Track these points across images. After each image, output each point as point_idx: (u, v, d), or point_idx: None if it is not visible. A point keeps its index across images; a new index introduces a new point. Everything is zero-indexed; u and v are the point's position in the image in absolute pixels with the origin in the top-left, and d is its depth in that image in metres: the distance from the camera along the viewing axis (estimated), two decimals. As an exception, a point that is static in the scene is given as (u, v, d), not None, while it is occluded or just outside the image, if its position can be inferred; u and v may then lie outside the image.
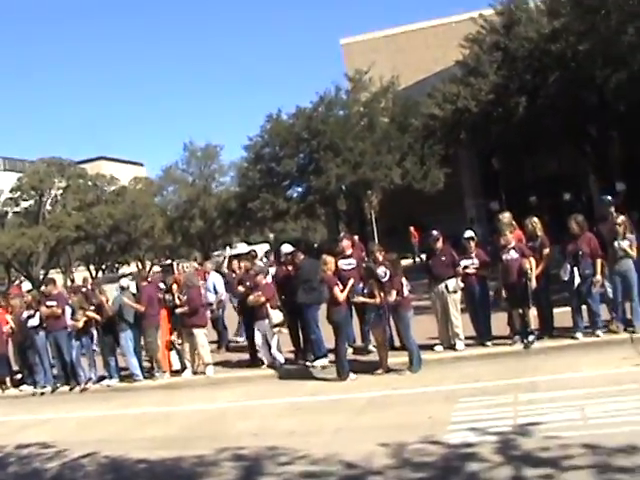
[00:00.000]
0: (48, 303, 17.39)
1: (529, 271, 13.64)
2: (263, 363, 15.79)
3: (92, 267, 69.54)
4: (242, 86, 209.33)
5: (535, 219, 14.63)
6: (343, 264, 15.44)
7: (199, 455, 9.88)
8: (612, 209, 14.62)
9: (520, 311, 13.94)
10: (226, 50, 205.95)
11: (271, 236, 69.89)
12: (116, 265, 72.05)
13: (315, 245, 55.67)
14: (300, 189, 49.86)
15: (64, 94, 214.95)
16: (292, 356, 16.08)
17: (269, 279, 17.22)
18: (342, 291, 14.07)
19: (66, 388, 17.39)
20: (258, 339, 15.78)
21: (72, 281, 50.79)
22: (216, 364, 16.48)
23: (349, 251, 15.99)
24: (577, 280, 13.72)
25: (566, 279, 13.83)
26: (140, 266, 71.69)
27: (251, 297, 15.83)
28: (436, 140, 39.52)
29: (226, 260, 37.21)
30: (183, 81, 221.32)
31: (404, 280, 14.10)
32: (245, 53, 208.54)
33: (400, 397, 12.03)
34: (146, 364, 17.22)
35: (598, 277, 13.61)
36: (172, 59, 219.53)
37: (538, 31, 29.22)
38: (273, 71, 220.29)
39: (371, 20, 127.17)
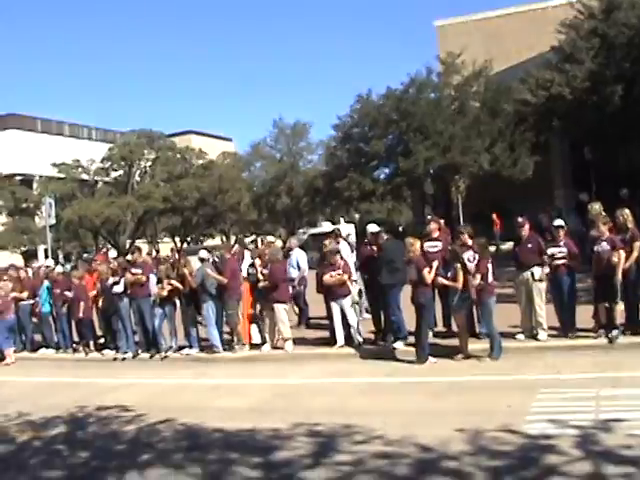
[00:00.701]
0: (133, 270, 17.71)
1: (618, 264, 13.33)
2: (336, 342, 15.85)
3: (177, 239, 70.35)
4: (334, 65, 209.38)
5: (626, 211, 14.24)
6: (429, 246, 15.31)
7: (274, 428, 9.91)
8: None
9: (607, 305, 13.65)
10: (320, 28, 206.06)
11: (356, 216, 69.85)
12: (201, 238, 72.76)
13: (400, 227, 55.35)
14: (387, 170, 49.51)
15: (158, 67, 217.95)
16: (372, 336, 16.08)
17: (352, 258, 17.26)
18: (429, 272, 13.96)
19: (147, 355, 17.73)
20: (336, 317, 15.80)
21: (157, 251, 51.48)
22: (295, 340, 16.54)
23: (436, 234, 15.85)
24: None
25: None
26: (225, 240, 72.30)
27: (326, 276, 15.85)
28: (527, 127, 38.88)
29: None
30: (275, 58, 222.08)
31: (490, 266, 13.91)
32: (338, 32, 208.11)
33: (479, 384, 11.88)
34: (226, 336, 17.40)
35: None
36: (266, 36, 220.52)
37: (639, 17, 28.42)
38: (366, 51, 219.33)
39: (466, 2, 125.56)
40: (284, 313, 16.28)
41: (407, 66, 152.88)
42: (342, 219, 63.07)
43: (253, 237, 70.08)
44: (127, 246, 58.71)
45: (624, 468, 7.26)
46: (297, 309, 19.23)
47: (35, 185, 66.05)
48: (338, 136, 50.94)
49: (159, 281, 17.54)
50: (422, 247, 14.82)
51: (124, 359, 17.83)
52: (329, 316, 16.27)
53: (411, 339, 14.58)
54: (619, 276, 13.34)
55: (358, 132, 48.26)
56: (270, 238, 22.78)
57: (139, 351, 17.94)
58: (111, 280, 18.10)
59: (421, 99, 45.05)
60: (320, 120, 69.98)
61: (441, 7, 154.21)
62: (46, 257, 37.82)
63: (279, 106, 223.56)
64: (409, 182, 46.22)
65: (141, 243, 55.82)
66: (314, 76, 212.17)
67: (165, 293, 17.27)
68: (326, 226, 57.32)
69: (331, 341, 16.01)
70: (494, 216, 39.16)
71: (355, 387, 12.66)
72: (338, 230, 19.59)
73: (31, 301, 20.21)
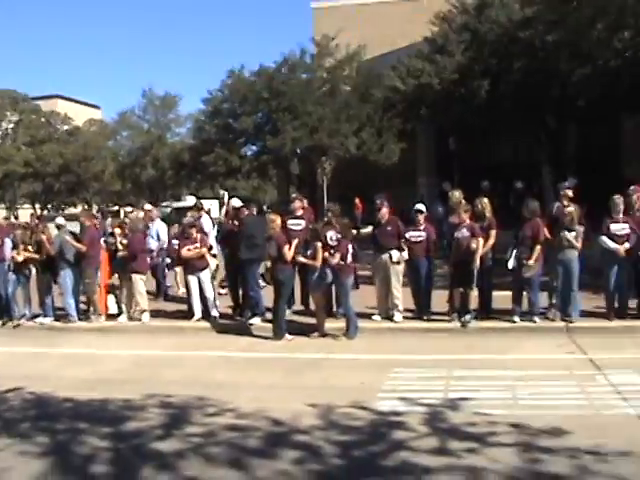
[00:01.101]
0: (-18, 238, 17.05)
1: (476, 250, 13.71)
2: (193, 315, 15.79)
3: (38, 205, 68.67)
4: (208, 39, 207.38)
5: (485, 200, 14.69)
6: (292, 224, 15.42)
7: (126, 399, 9.80)
8: (566, 197, 14.71)
9: (462, 290, 14.03)
10: (195, 0, 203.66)
11: (221, 192, 69.60)
12: (62, 206, 71.20)
13: (265, 206, 55.51)
14: (255, 148, 49.57)
15: (25, 28, 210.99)
16: (230, 311, 16.07)
17: (212, 233, 17.23)
18: (289, 249, 14.00)
19: (-1, 322, 17.18)
20: (194, 290, 15.72)
21: (16, 217, 50.13)
22: (153, 312, 16.39)
23: (299, 212, 15.94)
24: (512, 263, 13.86)
25: (509, 263, 13.96)
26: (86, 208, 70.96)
27: (184, 250, 15.77)
28: (395, 114, 39.39)
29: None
30: (148, 27, 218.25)
31: (350, 247, 14.08)
32: (213, 5, 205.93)
33: (333, 361, 12.04)
34: (82, 306, 17.07)
35: (531, 262, 13.67)
36: (140, 4, 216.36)
37: (509, 17, 29.19)
38: (242, 28, 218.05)
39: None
40: (142, 284, 16.09)
41: (282, 46, 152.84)
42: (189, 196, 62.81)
43: (116, 208, 69.13)
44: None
45: (468, 444, 7.50)
46: (155, 280, 19.04)
47: None
48: (207, 110, 50.56)
49: (15, 246, 16.99)
50: (285, 224, 14.91)
51: (-27, 326, 17.24)
52: (187, 289, 16.17)
53: (269, 315, 14.64)
54: (477, 262, 13.74)
55: (228, 108, 48.00)
56: (128, 209, 22.40)
57: (-10, 319, 17.36)
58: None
59: (293, 79, 45.15)
60: (190, 94, 69.75)
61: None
62: None
63: (150, 76, 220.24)
64: (275, 161, 46.35)
65: (-1, 209, 54.17)
66: (187, 48, 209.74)
67: (21, 259, 16.75)
68: (190, 200, 56.93)
69: (188, 314, 15.92)
70: (357, 200, 39.62)
71: (210, 360, 12.66)
72: (200, 203, 19.44)
73: None
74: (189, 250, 15.70)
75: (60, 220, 17.15)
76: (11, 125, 61.83)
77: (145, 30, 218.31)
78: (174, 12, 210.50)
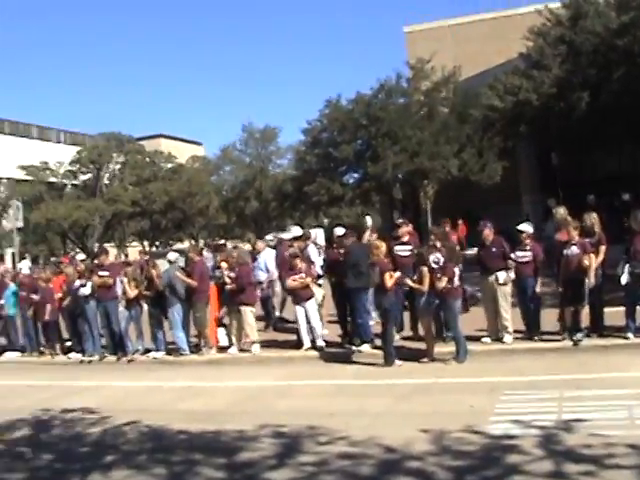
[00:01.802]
0: (100, 273, 17.64)
1: (588, 268, 13.44)
2: (302, 345, 15.88)
3: (146, 242, 70.04)
4: (303, 70, 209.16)
5: (594, 215, 14.41)
6: (399, 250, 15.44)
7: (239, 430, 9.91)
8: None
9: (573, 308, 13.76)
10: (289, 33, 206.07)
11: (325, 221, 69.88)
12: (170, 242, 72.48)
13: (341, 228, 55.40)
14: (356, 175, 49.66)
15: (128, 71, 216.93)
16: (338, 339, 16.12)
17: (319, 262, 17.33)
18: (391, 277, 13.99)
19: (113, 358, 17.66)
20: (301, 320, 15.83)
21: (126, 255, 51.23)
22: (262, 343, 16.56)
23: (406, 237, 15.93)
24: (625, 278, 13.53)
25: (622, 278, 13.63)
26: (193, 243, 72.09)
27: (289, 281, 15.93)
28: (495, 132, 39.06)
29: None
30: (245, 63, 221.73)
31: (457, 269, 14.00)
32: (307, 37, 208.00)
33: (444, 386, 11.95)
34: (193, 339, 17.39)
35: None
36: (234, 41, 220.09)
37: (605, 25, 28.63)
38: (335, 56, 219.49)
39: (435, 8, 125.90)
40: (251, 316, 16.30)
41: (378, 72, 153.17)
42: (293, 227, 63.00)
43: (222, 241, 69.94)
44: (95, 250, 58.38)
45: (585, 466, 7.32)
46: (264, 312, 19.22)
47: (2, 188, 65.51)
48: (307, 141, 50.97)
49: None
50: (392, 251, 14.93)
51: (90, 362, 17.75)
52: (296, 319, 16.31)
53: (378, 342, 14.63)
54: (592, 279, 13.46)
55: (327, 137, 48.31)
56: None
57: (105, 354, 17.86)
58: (78, 282, 18.03)
59: (390, 104, 45.18)
60: (290, 125, 70.40)
61: (411, 13, 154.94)
62: (13, 261, 37.58)
63: (249, 110, 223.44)
64: (377, 187, 46.33)
65: (109, 247, 55.47)
66: (284, 81, 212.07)
67: (132, 295, 17.22)
68: (295, 230, 57.22)
69: (298, 344, 16.03)
70: (460, 222, 39.34)
71: (321, 389, 12.69)
72: (308, 233, 19.60)
73: (-3, 304, 20.07)
74: (294, 280, 15.85)
75: (172, 256, 17.55)
76: (118, 166, 63.38)
77: (241, 65, 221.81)
78: (266, 46, 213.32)
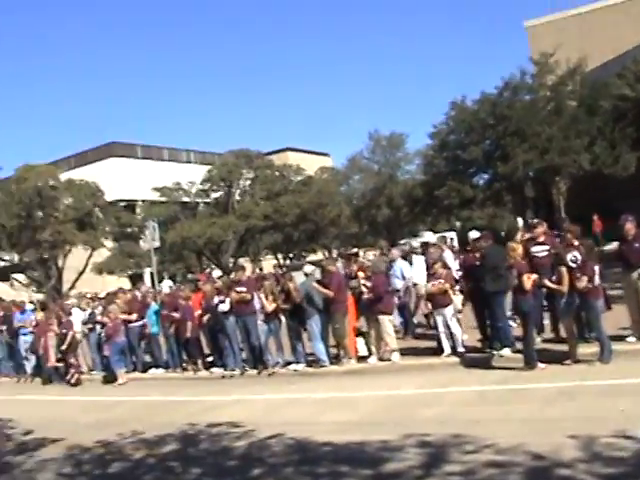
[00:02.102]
0: (238, 289, 17.94)
1: None
2: (443, 351, 15.72)
3: (280, 255, 70.90)
4: (425, 73, 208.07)
5: None
6: (536, 251, 15.12)
7: (384, 440, 9.86)
8: None
9: None
10: (407, 38, 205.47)
11: (457, 224, 69.22)
12: (303, 253, 73.08)
13: (502, 233, 54.80)
14: (486, 176, 49.22)
15: (252, 88, 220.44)
16: (478, 345, 15.92)
17: (455, 267, 17.16)
18: (529, 279, 13.72)
19: (254, 372, 17.93)
20: (441, 326, 15.71)
21: (260, 269, 51.97)
22: (401, 351, 16.49)
23: (542, 238, 15.61)
24: None
25: None
26: (327, 254, 72.49)
27: (428, 286, 15.82)
28: (627, 122, 37.99)
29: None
30: (367, 71, 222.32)
31: (596, 268, 13.61)
32: (427, 40, 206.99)
33: (590, 388, 11.60)
34: (332, 350, 17.45)
35: None
36: (357, 49, 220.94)
37: None
38: (455, 57, 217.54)
39: (555, 0, 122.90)
40: (389, 324, 16.28)
41: (501, 69, 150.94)
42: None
43: (354, 250, 70.08)
44: (230, 265, 59.50)
45: None
46: (402, 319, 19.15)
47: (138, 210, 67.50)
48: (435, 144, 50.80)
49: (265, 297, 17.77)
50: (529, 252, 14.66)
51: (232, 376, 18.09)
52: (435, 326, 16.18)
53: (518, 346, 14.38)
54: None
55: (454, 139, 48.06)
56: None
57: (246, 368, 18.17)
58: (216, 299, 18.41)
59: (516, 102, 44.60)
60: (416, 130, 70.01)
61: (531, 6, 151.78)
62: (152, 280, 38.61)
63: (374, 119, 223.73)
64: (509, 187, 45.81)
65: (244, 261, 56.37)
66: (407, 87, 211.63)
67: (270, 309, 17.46)
68: (427, 236, 57.06)
69: (438, 351, 15.91)
70: (595, 218, 38.34)
71: (463, 396, 12.53)
72: (443, 238, 19.47)
73: (140, 322, 20.68)
74: (433, 286, 15.75)
75: (309, 268, 17.71)
76: (248, 182, 64.31)
77: (364, 73, 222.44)
78: (387, 52, 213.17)
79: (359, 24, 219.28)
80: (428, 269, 16.95)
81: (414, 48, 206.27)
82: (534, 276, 13.84)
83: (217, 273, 52.99)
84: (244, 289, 17.90)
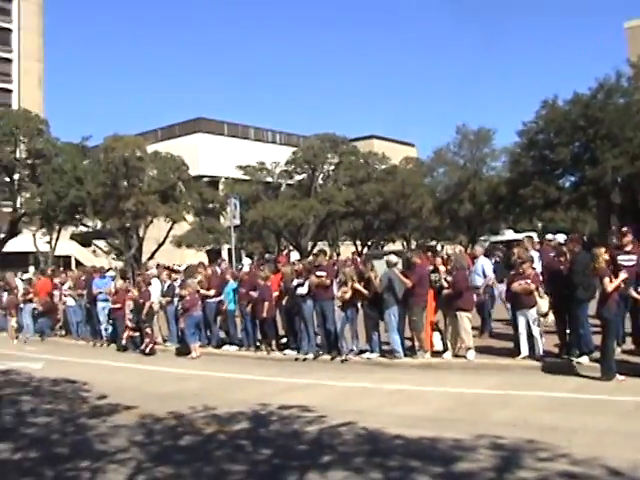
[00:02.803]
0: (318, 273, 17.97)
1: None
2: (520, 353, 15.49)
3: (358, 242, 70.89)
4: (518, 69, 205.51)
5: None
6: (623, 260, 14.75)
7: (456, 439, 9.75)
8: None
9: None
10: (501, 33, 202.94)
11: (539, 225, 68.38)
12: (381, 242, 72.95)
13: (584, 237, 53.95)
14: (573, 178, 48.51)
15: (342, 73, 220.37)
16: (555, 349, 15.64)
17: (538, 268, 16.88)
18: (611, 282, 13.39)
19: (327, 357, 17.93)
20: (522, 328, 15.48)
21: (338, 255, 52.03)
22: (477, 349, 16.33)
23: (629, 247, 15.24)
24: None
25: None
26: (406, 245, 72.28)
27: (515, 284, 15.58)
28: None
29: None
30: (460, 63, 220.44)
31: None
32: (521, 36, 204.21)
33: (671, 404, 11.35)
34: (407, 342, 17.36)
35: None
36: (450, 43, 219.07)
37: None
38: (550, 55, 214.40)
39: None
40: (467, 321, 16.13)
41: (594, 70, 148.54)
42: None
43: (432, 243, 69.73)
44: (309, 248, 59.75)
45: None
46: (480, 318, 18.95)
47: (221, 186, 68.08)
48: (522, 142, 50.16)
49: (344, 283, 17.75)
50: (615, 260, 14.34)
51: (305, 359, 18.12)
52: (514, 326, 15.96)
53: (597, 354, 14.10)
54: None
55: (543, 138, 47.41)
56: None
57: (320, 352, 18.18)
58: (295, 282, 18.45)
59: (609, 105, 43.77)
60: (504, 126, 69.17)
61: (633, 7, 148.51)
62: (230, 257, 38.92)
63: (462, 112, 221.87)
64: (595, 191, 45.02)
65: (322, 246, 56.55)
66: (498, 82, 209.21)
67: (348, 296, 17.43)
68: (508, 234, 56.46)
69: (514, 352, 15.69)
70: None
71: (538, 401, 12.33)
72: (530, 238, 19.17)
73: (217, 299, 20.86)
74: (519, 285, 15.50)
75: (393, 258, 17.61)
76: (332, 167, 64.42)
77: (456, 66, 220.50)
78: (480, 47, 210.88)
79: (452, 18, 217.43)
80: (511, 268, 16.71)
81: (507, 44, 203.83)
82: (618, 280, 13.50)
83: (295, 255, 53.25)
84: (324, 274, 17.92)
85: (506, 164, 63.53)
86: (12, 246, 52.71)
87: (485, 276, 18.48)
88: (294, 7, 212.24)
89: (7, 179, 52.39)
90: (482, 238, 60.05)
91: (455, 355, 16.40)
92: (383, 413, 11.86)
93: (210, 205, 58.74)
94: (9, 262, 48.03)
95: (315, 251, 33.69)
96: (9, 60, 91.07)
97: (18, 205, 53.05)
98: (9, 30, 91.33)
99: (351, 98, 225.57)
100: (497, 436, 9.71)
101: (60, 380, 16.08)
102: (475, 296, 17.55)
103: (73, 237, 67.42)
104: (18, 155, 51.30)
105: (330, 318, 17.84)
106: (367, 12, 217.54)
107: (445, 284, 16.39)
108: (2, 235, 52.10)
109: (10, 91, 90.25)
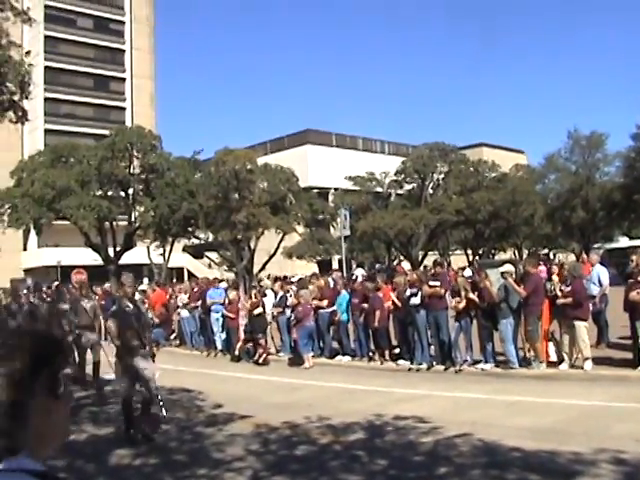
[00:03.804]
0: (431, 283, 17.86)
1: None
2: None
3: (469, 252, 70.26)
4: (629, 72, 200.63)
5: None
6: None
7: (575, 452, 9.51)
8: None
9: None
10: (615, 34, 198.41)
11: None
12: (492, 251, 72.18)
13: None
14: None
15: (436, 81, 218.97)
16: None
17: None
18: None
19: (441, 367, 17.78)
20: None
21: (449, 264, 51.61)
22: (595, 359, 15.95)
23: None
24: None
25: None
26: (517, 254, 71.31)
27: (633, 293, 15.18)
28: None
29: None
30: (563, 69, 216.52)
31: None
32: (634, 36, 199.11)
33: None
34: (520, 352, 17.10)
35: None
36: (558, 46, 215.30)
37: None
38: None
39: None
40: (584, 331, 15.78)
41: None
42: None
43: (545, 251, 68.58)
44: (419, 258, 59.51)
45: None
46: (597, 327, 18.53)
47: (331, 197, 68.43)
48: (637, 146, 48.96)
49: (457, 294, 17.62)
50: None
51: (418, 370, 18.01)
52: (633, 336, 15.54)
53: None
54: None
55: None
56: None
57: (434, 363, 18.05)
58: (408, 292, 18.38)
59: None
60: (617, 130, 67.51)
61: None
62: (340, 267, 39.06)
63: (573, 117, 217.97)
64: None
65: (432, 255, 56.22)
66: (610, 84, 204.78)
67: (462, 306, 17.30)
68: (623, 241, 55.14)
69: (634, 362, 15.27)
70: None
71: (663, 415, 11.96)
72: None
73: (330, 309, 20.92)
74: (638, 294, 15.09)
75: (508, 267, 17.41)
76: (442, 176, 64.10)
77: (562, 70, 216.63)
78: (586, 52, 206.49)
79: (565, 21, 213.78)
80: (628, 276, 16.31)
81: (619, 44, 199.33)
82: None
83: (406, 265, 53.14)
84: (437, 284, 17.81)
85: (620, 169, 62.16)
86: (127, 258, 53.95)
87: (601, 285, 18.07)
88: (404, 12, 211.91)
89: (122, 194, 53.72)
90: (596, 246, 58.72)
91: (572, 366, 16.06)
92: (498, 425, 11.67)
93: (320, 216, 59.06)
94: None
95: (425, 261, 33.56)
96: (122, 79, 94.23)
97: (133, 219, 54.36)
98: (122, 51, 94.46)
99: (459, 106, 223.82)
100: (618, 450, 9.42)
101: (176, 389, 16.34)
102: (591, 305, 17.19)
103: (185, 249, 68.73)
104: (132, 170, 52.60)
105: (444, 328, 17.72)
106: (472, 21, 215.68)
107: (559, 293, 16.08)
108: (118, 248, 53.38)
109: (124, 109, 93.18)
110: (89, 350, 17.37)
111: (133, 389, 12.08)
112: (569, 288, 16.00)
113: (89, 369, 17.17)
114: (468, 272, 21.98)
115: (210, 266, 59.12)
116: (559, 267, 17.57)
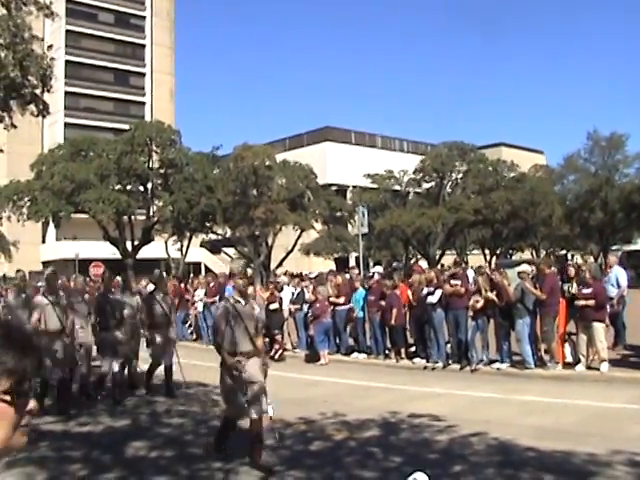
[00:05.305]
0: (452, 282, 17.87)
1: None
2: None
3: (487, 251, 70.07)
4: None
5: None
6: None
7: (590, 453, 9.51)
8: None
9: None
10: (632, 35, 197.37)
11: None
12: (510, 251, 71.96)
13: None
14: None
15: (459, 81, 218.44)
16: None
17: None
18: None
19: (456, 366, 17.79)
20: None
21: (465, 263, 51.54)
22: (611, 361, 15.92)
23: None
24: None
25: None
26: (535, 254, 71.04)
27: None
28: None
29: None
30: (584, 68, 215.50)
31: None
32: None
33: None
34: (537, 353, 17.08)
35: None
36: (577, 47, 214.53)
37: None
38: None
39: None
40: (602, 332, 15.76)
41: None
42: None
43: (562, 252, 68.30)
44: (436, 257, 59.37)
45: None
46: (614, 329, 18.49)
47: (349, 195, 68.38)
48: (657, 149, 48.73)
49: (475, 292, 17.61)
50: None
51: (434, 368, 18.04)
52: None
53: None
54: None
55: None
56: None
57: (449, 361, 18.07)
58: (426, 290, 18.39)
59: None
60: (638, 131, 67.09)
61: None
62: (358, 265, 39.06)
63: (593, 118, 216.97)
64: None
65: (449, 254, 56.14)
66: (630, 85, 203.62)
67: (479, 305, 17.30)
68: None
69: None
70: None
71: (678, 417, 11.92)
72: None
73: (347, 306, 20.95)
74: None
75: (525, 267, 17.42)
76: (460, 175, 63.88)
77: (583, 70, 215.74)
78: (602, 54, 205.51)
79: (587, 21, 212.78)
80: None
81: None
82: None
83: (423, 264, 53.04)
84: (458, 282, 17.82)
85: (639, 171, 61.80)
86: (145, 253, 54.11)
87: (619, 286, 18.03)
88: (422, 14, 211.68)
89: (141, 188, 53.85)
90: (614, 247, 58.46)
91: (588, 367, 16.04)
92: (513, 424, 11.67)
93: (338, 213, 59.02)
94: (142, 268, 49.46)
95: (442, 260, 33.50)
96: (142, 74, 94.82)
97: (151, 213, 54.52)
98: (142, 46, 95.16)
99: (479, 105, 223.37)
100: (634, 452, 9.42)
101: (192, 383, 16.40)
102: (609, 307, 17.16)
103: (203, 244, 68.91)
104: (151, 165, 52.73)
105: (462, 327, 17.71)
106: (496, 20, 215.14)
107: (578, 294, 16.06)
108: (136, 242, 53.52)
109: (144, 104, 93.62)
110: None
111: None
112: (589, 290, 15.96)
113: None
114: (471, 273, 22.01)
115: (232, 260, 59.12)
116: (576, 269, 17.44)
